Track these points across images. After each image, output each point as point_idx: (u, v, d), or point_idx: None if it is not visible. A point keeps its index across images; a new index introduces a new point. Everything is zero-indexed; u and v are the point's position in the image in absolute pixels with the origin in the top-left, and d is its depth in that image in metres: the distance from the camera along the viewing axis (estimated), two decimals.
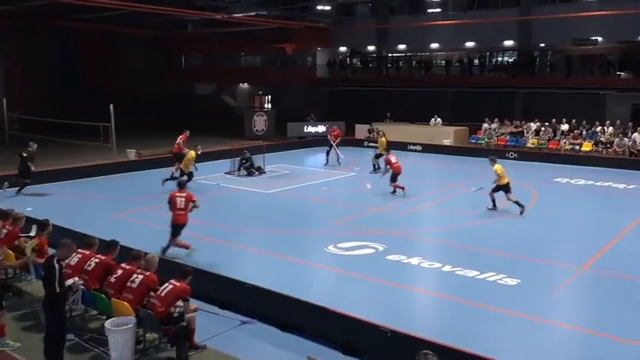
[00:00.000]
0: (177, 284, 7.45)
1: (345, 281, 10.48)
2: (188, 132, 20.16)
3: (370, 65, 40.00)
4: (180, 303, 7.40)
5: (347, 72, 40.32)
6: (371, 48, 39.79)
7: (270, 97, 44.44)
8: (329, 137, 24.19)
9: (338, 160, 23.37)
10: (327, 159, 23.55)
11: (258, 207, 16.55)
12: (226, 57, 46.87)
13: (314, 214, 16.02)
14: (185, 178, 16.36)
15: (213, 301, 8.81)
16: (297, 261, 11.57)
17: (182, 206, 11.19)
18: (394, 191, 17.40)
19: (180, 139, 19.75)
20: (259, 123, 31.14)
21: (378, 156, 21.00)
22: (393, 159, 17.45)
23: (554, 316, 9.23)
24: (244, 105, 45.13)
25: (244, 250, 12.37)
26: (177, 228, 11.25)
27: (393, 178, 17.35)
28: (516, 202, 14.93)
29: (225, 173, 21.15)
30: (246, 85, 46.95)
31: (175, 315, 7.41)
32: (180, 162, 18.20)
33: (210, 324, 8.05)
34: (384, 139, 21.24)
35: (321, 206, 16.66)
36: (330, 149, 23.59)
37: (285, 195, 17.82)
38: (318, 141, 27.81)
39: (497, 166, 15.14)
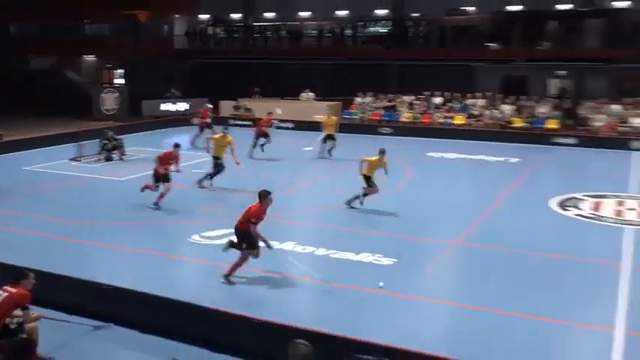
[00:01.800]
0: (14, 290, 7.03)
1: (211, 273, 10.47)
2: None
3: (235, 35, 39.71)
4: (18, 312, 7.01)
5: (209, 43, 39.70)
6: (236, 16, 39.41)
7: (121, 71, 42.60)
8: (198, 120, 23.80)
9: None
10: (195, 142, 22.96)
11: (111, 197, 15.98)
12: (67, 25, 44.10)
13: (176, 201, 15.76)
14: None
15: (61, 307, 8.45)
16: (158, 254, 11.38)
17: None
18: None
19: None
20: (109, 101, 29.92)
21: (324, 140, 21.02)
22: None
23: (432, 293, 9.91)
24: (91, 81, 42.88)
25: (98, 246, 11.92)
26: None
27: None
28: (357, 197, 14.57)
29: (71, 160, 20.14)
30: (92, 58, 44.56)
31: (12, 327, 6.99)
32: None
33: (57, 333, 7.73)
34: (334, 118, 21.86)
35: (185, 193, 16.43)
36: (201, 132, 23.01)
37: (142, 182, 17.34)
38: (178, 120, 27.19)
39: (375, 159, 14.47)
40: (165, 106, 30.58)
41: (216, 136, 17.05)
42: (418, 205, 15.22)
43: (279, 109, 27.14)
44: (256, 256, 9.98)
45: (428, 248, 12.20)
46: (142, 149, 22.14)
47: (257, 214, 9.71)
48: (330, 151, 21.02)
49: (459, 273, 11.07)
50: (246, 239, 9.81)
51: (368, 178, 14.30)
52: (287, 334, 6.55)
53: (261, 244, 9.83)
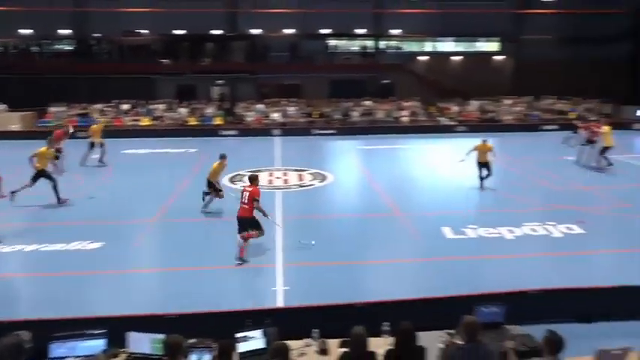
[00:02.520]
0: None
1: None
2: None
3: None
4: None
5: None
6: None
7: None
8: None
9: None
10: None
11: None
12: None
13: None
14: None
15: None
16: None
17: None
18: None
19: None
20: None
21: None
22: None
23: (141, 263, 9.46)
24: None
25: None
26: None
27: None
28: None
29: None
30: None
31: None
32: None
33: None
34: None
35: None
36: None
37: None
38: None
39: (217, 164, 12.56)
40: None
41: None
42: (119, 194, 14.29)
43: None
44: (262, 234, 9.46)
45: (131, 229, 11.58)
46: None
47: (258, 193, 9.29)
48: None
49: (159, 243, 10.78)
50: (254, 223, 9.29)
51: (210, 183, 12.31)
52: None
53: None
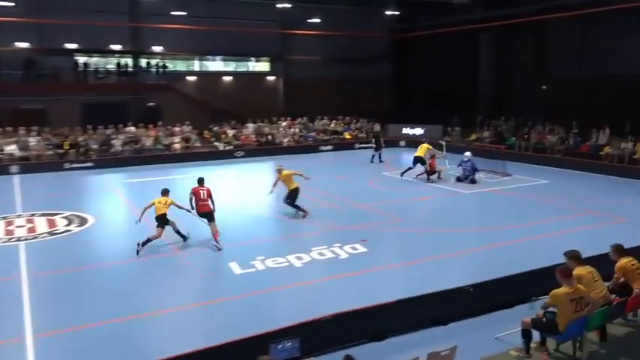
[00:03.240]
0: None
1: None
2: None
3: None
4: None
5: None
6: None
7: None
8: None
9: None
10: None
11: None
12: None
13: None
14: None
15: None
16: None
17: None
18: None
19: None
20: None
21: None
22: None
23: None
24: None
25: None
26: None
27: None
28: None
29: None
30: None
31: None
32: None
33: None
34: None
35: None
36: None
37: None
38: None
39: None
40: None
41: None
42: None
43: None
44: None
45: None
46: None
47: (210, 191, 12.59)
48: None
49: None
50: (211, 215, 12.39)
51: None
52: None
53: None
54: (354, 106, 33.86)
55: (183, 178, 22.05)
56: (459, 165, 20.63)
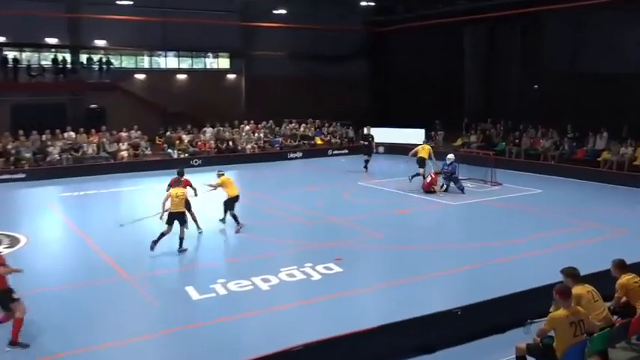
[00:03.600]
0: None
1: None
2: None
3: None
4: None
5: None
6: None
7: None
8: None
9: None
10: None
11: None
12: None
13: None
14: None
15: None
16: None
17: None
18: None
19: None
20: None
21: None
22: None
23: None
24: None
25: None
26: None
27: None
28: None
29: None
30: None
31: None
32: None
33: None
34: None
35: None
36: None
37: None
38: None
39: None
40: None
41: None
42: None
43: None
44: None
45: None
46: None
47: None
48: None
49: None
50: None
51: None
52: None
53: None
54: (326, 108, 34.01)
55: (131, 191, 21.87)
56: (442, 170, 20.70)
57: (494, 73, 32.66)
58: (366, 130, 26.21)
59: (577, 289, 7.29)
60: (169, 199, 13.36)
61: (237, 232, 15.08)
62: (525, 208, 18.25)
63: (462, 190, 20.15)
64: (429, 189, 20.22)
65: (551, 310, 7.10)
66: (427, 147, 21.63)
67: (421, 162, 21.01)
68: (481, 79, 33.27)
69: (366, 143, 25.93)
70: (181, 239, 13.37)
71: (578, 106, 26.70)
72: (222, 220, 15.60)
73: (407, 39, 35.83)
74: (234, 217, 15.26)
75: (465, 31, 33.27)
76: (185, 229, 13.55)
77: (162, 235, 13.17)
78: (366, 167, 25.21)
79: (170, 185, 14.31)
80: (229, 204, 15.34)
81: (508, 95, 31.91)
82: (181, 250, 13.36)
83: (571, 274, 7.47)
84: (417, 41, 34.96)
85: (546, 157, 25.54)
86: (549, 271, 8.65)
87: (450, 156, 20.66)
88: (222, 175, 15.61)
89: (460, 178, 20.67)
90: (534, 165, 25.24)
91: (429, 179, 20.45)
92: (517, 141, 27.34)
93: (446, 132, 31.44)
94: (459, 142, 29.82)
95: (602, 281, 8.11)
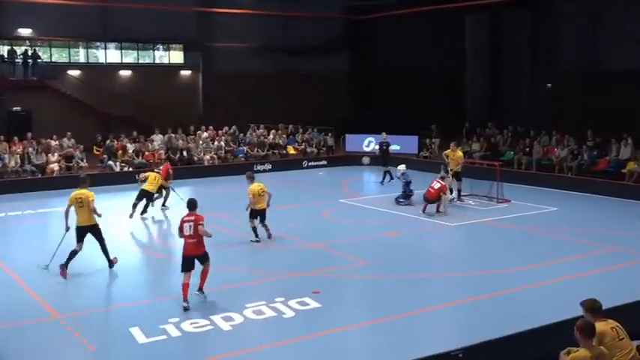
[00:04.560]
0: None
1: None
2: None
3: None
4: None
5: None
6: None
7: None
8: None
9: None
10: None
11: None
12: None
13: None
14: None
15: None
16: None
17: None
18: None
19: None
20: None
21: None
22: None
23: None
24: None
25: None
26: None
27: None
28: None
29: None
30: None
31: None
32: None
33: None
34: None
35: None
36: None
37: None
38: None
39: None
40: None
41: None
42: None
43: None
44: None
45: None
46: None
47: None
48: None
49: None
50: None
51: None
52: None
53: None
54: (299, 111, 34.08)
55: (60, 212, 21.57)
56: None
57: (501, 70, 32.95)
58: (382, 137, 26.48)
59: (599, 326, 7.36)
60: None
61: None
62: (537, 229, 18.42)
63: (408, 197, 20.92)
64: (434, 198, 19.91)
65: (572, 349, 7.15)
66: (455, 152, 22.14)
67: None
68: (485, 78, 33.58)
69: (380, 152, 26.59)
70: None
71: (599, 109, 26.93)
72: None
73: (395, 28, 36.07)
74: (254, 229, 16.46)
75: (465, 19, 33.56)
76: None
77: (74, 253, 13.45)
78: (382, 181, 25.57)
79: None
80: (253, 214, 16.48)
81: (516, 96, 32.22)
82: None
83: (591, 307, 7.53)
84: (408, 31, 35.23)
85: (562, 169, 25.78)
86: (567, 304, 8.73)
87: (402, 166, 21.39)
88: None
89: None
90: (548, 178, 25.49)
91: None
92: (527, 150, 27.56)
93: (443, 139, 31.57)
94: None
95: (629, 315, 8.19)
